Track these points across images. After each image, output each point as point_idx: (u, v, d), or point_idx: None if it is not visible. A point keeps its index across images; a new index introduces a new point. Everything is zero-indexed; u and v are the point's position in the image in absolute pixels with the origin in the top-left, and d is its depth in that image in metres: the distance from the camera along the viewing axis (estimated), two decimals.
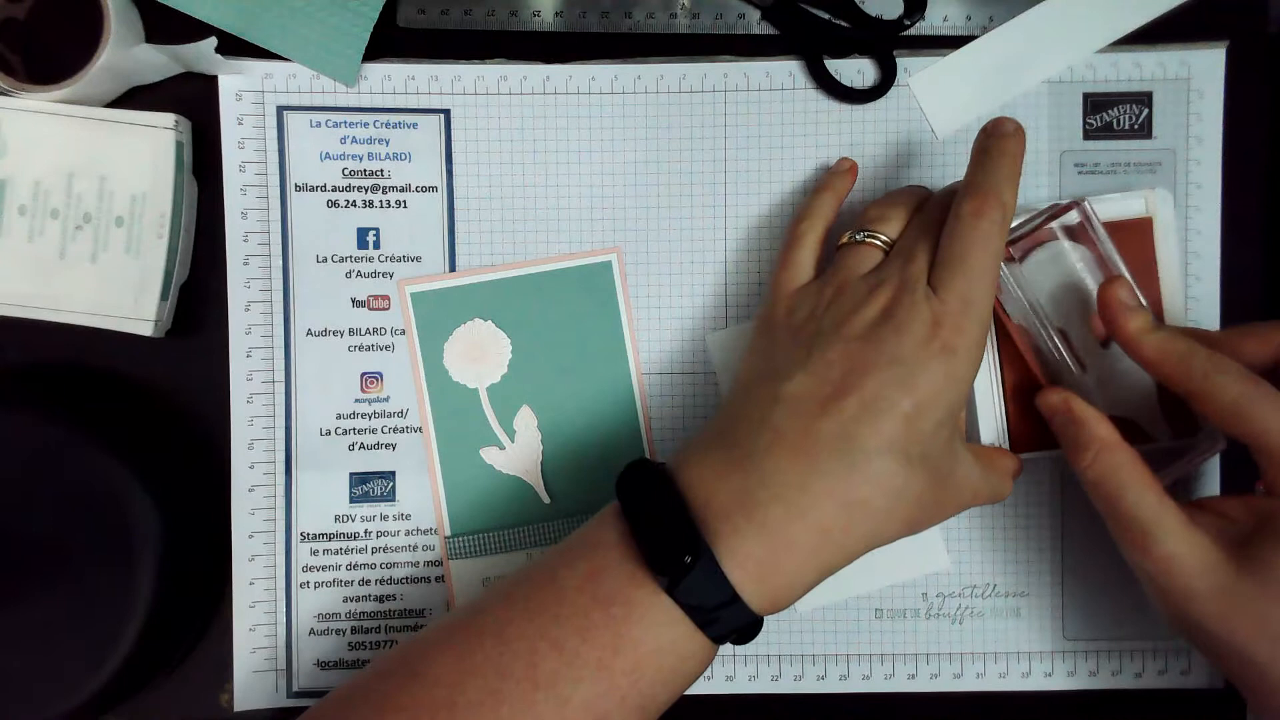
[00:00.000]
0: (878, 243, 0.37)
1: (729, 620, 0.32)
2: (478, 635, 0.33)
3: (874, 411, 0.32)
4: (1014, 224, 0.38)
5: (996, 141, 0.36)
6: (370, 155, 0.42)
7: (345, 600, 0.43)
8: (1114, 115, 0.43)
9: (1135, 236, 0.41)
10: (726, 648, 0.43)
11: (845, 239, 0.38)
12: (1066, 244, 0.37)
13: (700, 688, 0.43)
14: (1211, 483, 0.43)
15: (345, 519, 0.43)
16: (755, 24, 0.43)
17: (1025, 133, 0.36)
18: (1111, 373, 0.37)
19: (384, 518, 0.43)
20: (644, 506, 0.34)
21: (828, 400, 0.33)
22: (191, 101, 0.42)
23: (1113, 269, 0.37)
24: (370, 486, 0.43)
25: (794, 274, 0.39)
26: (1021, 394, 0.41)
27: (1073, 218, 0.37)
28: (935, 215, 0.36)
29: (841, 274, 0.36)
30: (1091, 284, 0.37)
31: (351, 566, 0.43)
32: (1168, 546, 0.33)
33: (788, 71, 0.43)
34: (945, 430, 0.34)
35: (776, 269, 0.40)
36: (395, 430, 0.43)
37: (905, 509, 0.33)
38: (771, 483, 0.33)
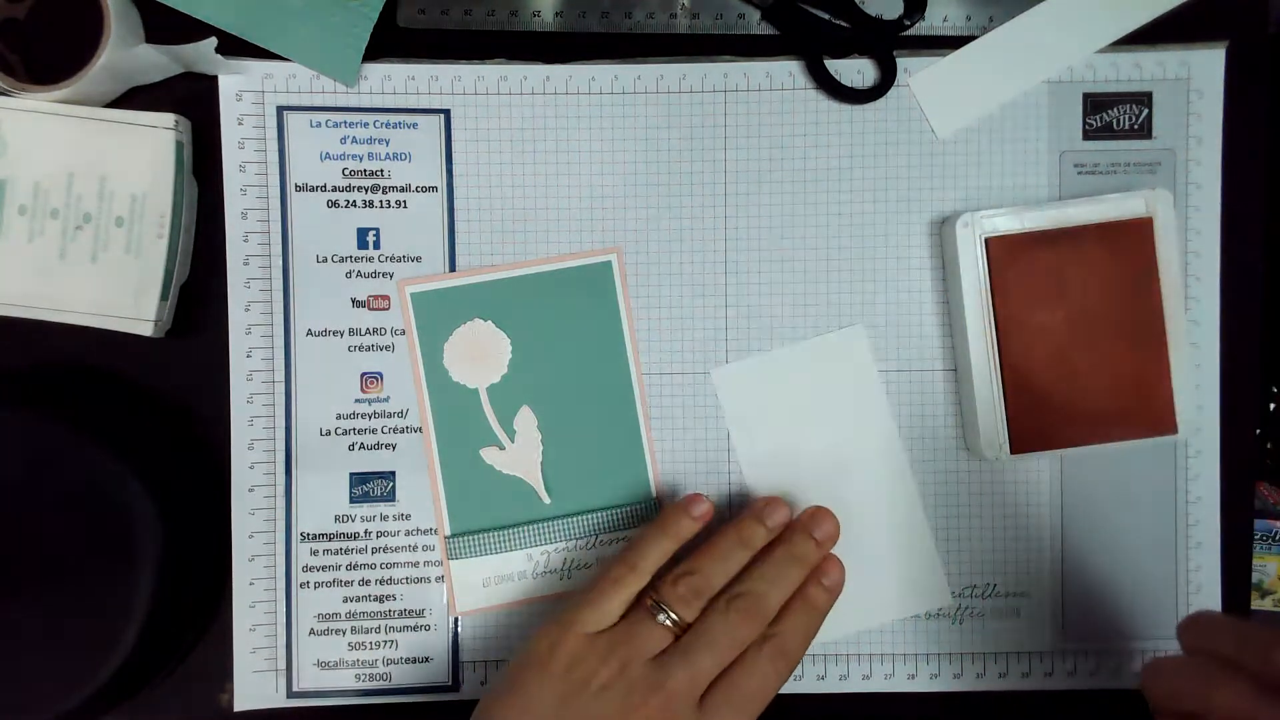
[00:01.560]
0: (669, 625, 0.37)
1: None
2: None
3: None
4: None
5: (821, 596, 0.39)
6: (370, 155, 0.42)
7: (345, 600, 0.43)
8: (1114, 115, 0.43)
9: (1135, 237, 0.41)
10: None
11: (648, 600, 0.37)
12: None
13: None
14: (1212, 483, 0.43)
15: (345, 519, 0.43)
16: (755, 24, 0.43)
17: (840, 589, 0.39)
18: None
19: (384, 518, 0.43)
20: None
21: None
22: (191, 101, 0.42)
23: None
24: (370, 486, 0.43)
25: (594, 619, 0.37)
26: (1021, 394, 0.41)
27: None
28: (739, 617, 0.37)
29: (629, 649, 0.36)
30: None
31: (351, 566, 0.43)
32: None
33: (788, 71, 0.43)
34: None
35: (579, 601, 0.38)
36: (395, 430, 0.43)
37: None
38: None
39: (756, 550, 0.39)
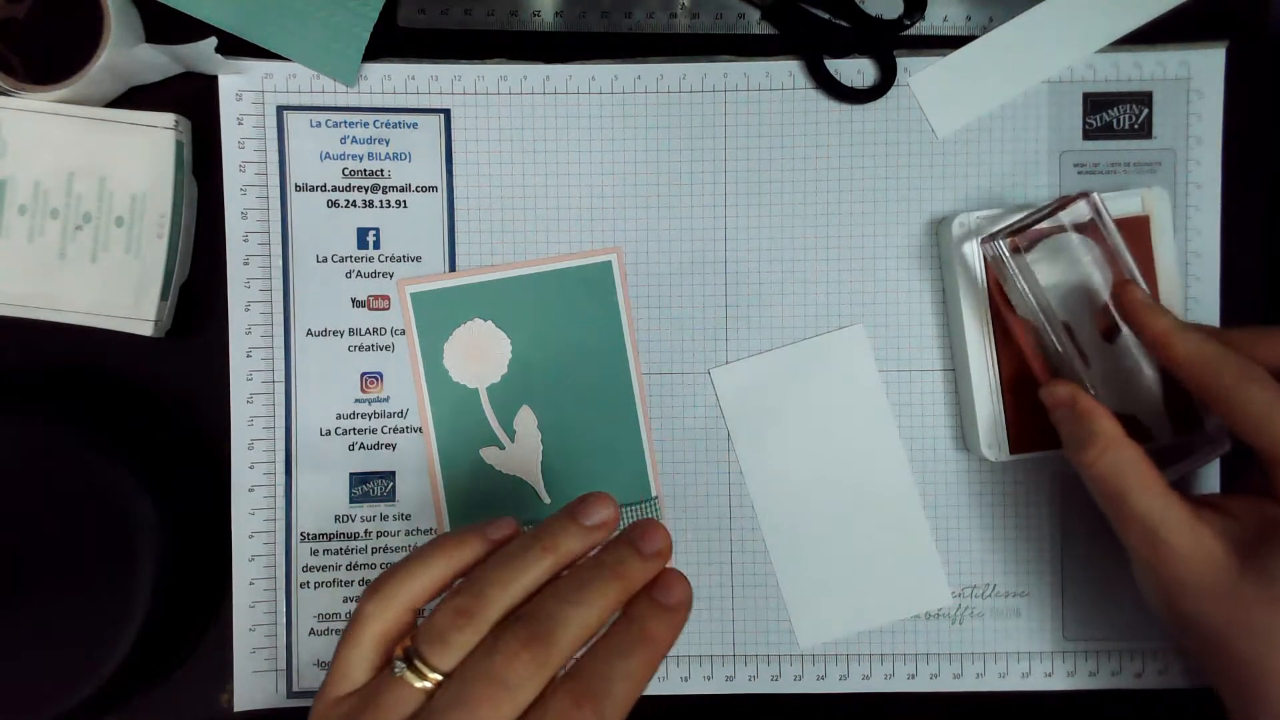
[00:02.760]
0: (422, 683, 0.26)
1: None
2: None
3: None
4: (1018, 217, 0.38)
5: (651, 622, 0.27)
6: (370, 155, 0.42)
7: (345, 600, 0.43)
8: (1114, 115, 0.43)
9: (1132, 235, 0.41)
10: (726, 646, 0.43)
11: (398, 647, 0.28)
12: (1074, 237, 0.37)
13: (700, 688, 0.43)
14: (1211, 480, 0.43)
15: (345, 519, 0.43)
16: (755, 24, 0.43)
17: (686, 616, 0.28)
18: (1115, 369, 0.37)
19: (384, 518, 0.43)
20: None
21: None
22: (191, 101, 0.42)
23: (1123, 264, 0.37)
24: (370, 486, 0.43)
25: (338, 681, 0.28)
26: (1020, 393, 0.41)
27: (1081, 210, 0.37)
28: (512, 650, 0.25)
29: (370, 713, 0.26)
30: (1100, 279, 0.37)
31: (351, 566, 0.43)
32: (1172, 541, 0.33)
33: (788, 71, 0.43)
34: None
35: (335, 654, 0.29)
36: (395, 430, 0.43)
37: None
38: None
39: (564, 562, 0.28)
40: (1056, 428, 0.36)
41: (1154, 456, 0.35)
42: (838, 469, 0.43)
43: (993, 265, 0.39)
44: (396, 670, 0.26)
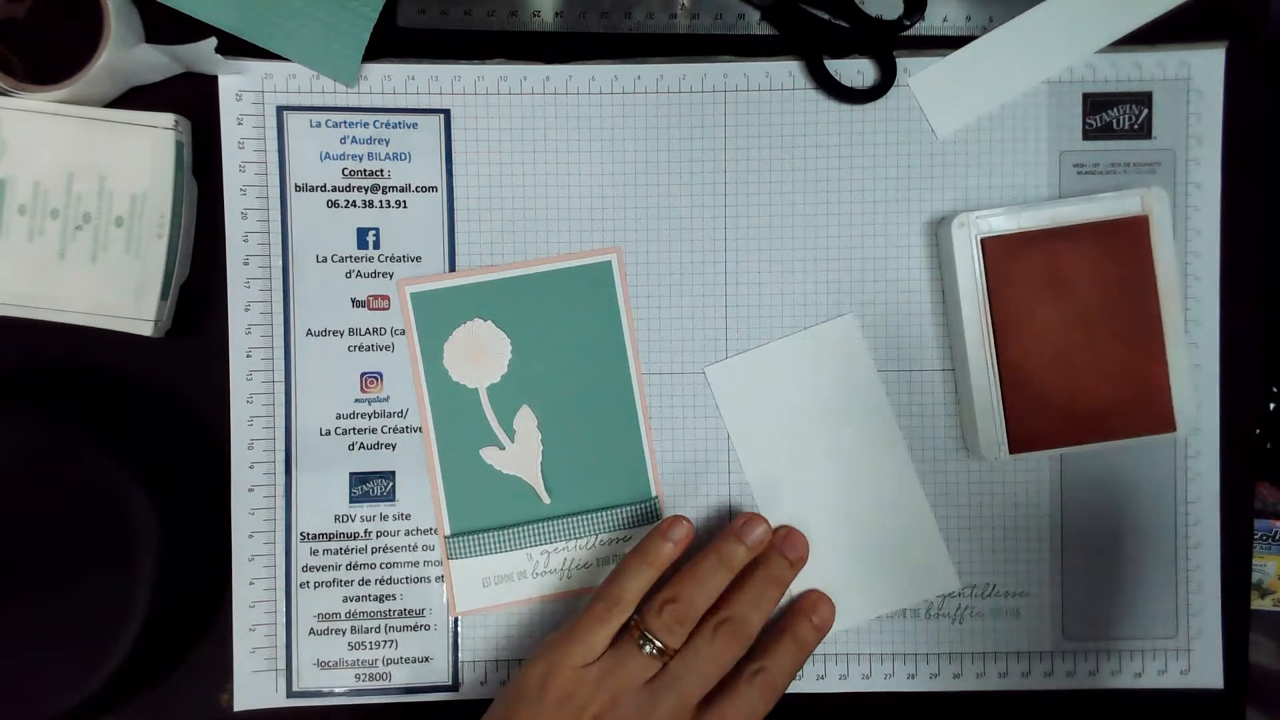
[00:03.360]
0: (655, 653, 0.37)
1: None
2: None
3: None
4: None
5: (808, 632, 0.40)
6: (370, 155, 0.42)
7: (345, 600, 0.43)
8: (1114, 115, 0.43)
9: (1131, 235, 0.41)
10: None
11: (635, 630, 0.38)
12: None
13: None
14: (1211, 483, 0.43)
15: (345, 519, 0.43)
16: (755, 24, 0.43)
17: (828, 628, 0.41)
18: None
19: (384, 518, 0.43)
20: None
21: None
22: (191, 101, 0.42)
23: None
24: (370, 486, 0.43)
25: (582, 653, 0.38)
26: (1019, 394, 0.41)
27: None
28: (724, 643, 0.38)
29: (619, 679, 0.37)
30: None
31: (351, 566, 0.43)
32: None
33: (788, 71, 0.43)
34: None
35: (567, 636, 0.38)
36: (395, 430, 0.43)
37: None
38: None
39: (737, 571, 0.40)
40: None
41: None
42: (837, 459, 0.43)
43: None
44: (643, 646, 0.37)
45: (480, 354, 0.43)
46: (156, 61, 0.40)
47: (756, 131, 0.43)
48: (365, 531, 0.43)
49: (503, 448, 0.43)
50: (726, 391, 0.43)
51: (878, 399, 0.43)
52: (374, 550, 0.43)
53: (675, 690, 0.37)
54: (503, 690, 0.39)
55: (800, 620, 0.41)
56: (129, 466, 0.38)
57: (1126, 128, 0.43)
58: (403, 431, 0.43)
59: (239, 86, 0.42)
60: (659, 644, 0.37)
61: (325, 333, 0.42)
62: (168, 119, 0.39)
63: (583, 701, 0.37)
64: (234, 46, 0.40)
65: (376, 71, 0.42)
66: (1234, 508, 0.43)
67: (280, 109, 0.42)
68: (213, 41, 0.39)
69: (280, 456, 0.42)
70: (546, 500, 0.43)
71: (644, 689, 0.37)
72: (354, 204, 0.42)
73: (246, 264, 0.42)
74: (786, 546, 0.41)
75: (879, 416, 0.43)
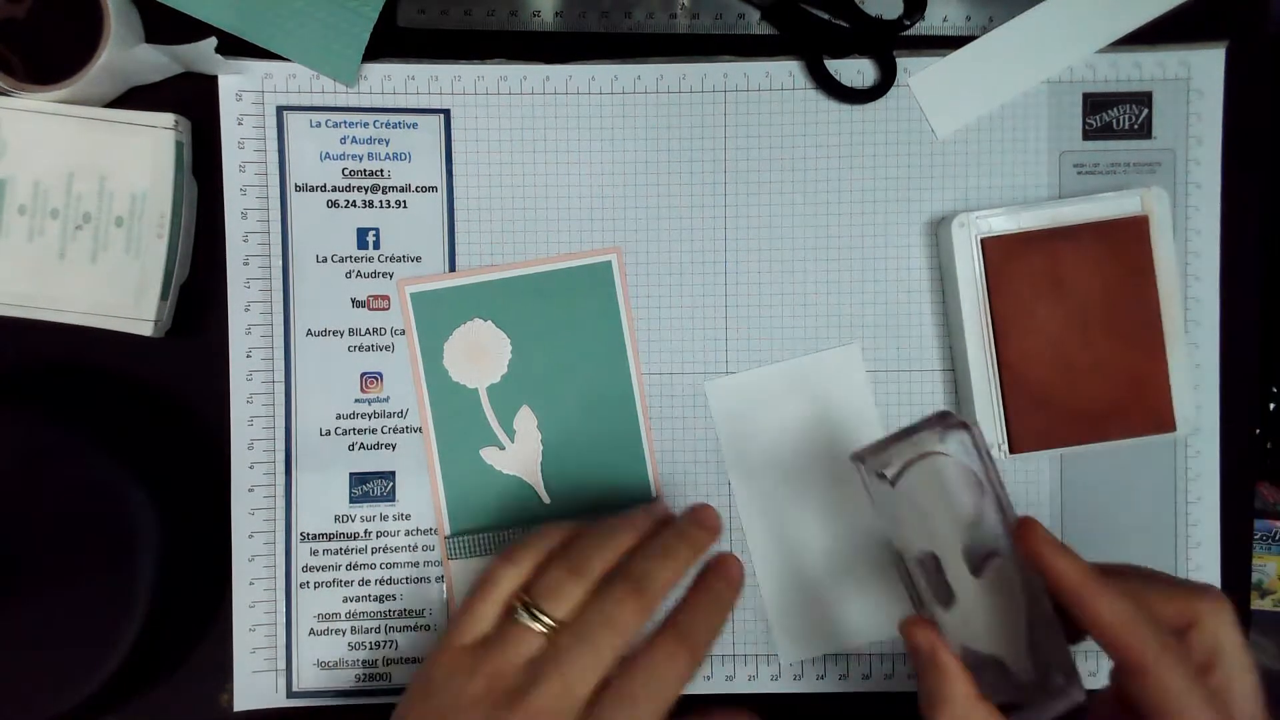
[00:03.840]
0: (540, 628, 0.32)
1: None
2: None
3: None
4: (887, 434, 0.34)
5: (721, 587, 0.34)
6: (370, 155, 0.42)
7: (345, 600, 0.43)
8: (1114, 115, 0.43)
9: (1131, 235, 0.41)
10: (726, 646, 0.43)
11: (516, 599, 0.33)
12: (949, 463, 0.33)
13: (700, 688, 0.43)
14: (1211, 483, 0.43)
15: (345, 519, 0.43)
16: (755, 24, 0.43)
17: (742, 584, 0.35)
18: (980, 607, 0.33)
19: (384, 518, 0.43)
20: None
21: None
22: (191, 101, 0.42)
23: (1001, 495, 0.33)
24: (370, 486, 0.43)
25: (470, 627, 0.33)
26: (1020, 394, 0.41)
27: (960, 436, 0.33)
28: (619, 599, 0.32)
29: (496, 659, 0.32)
30: (973, 509, 0.33)
31: (351, 566, 0.43)
32: None
33: (788, 71, 0.43)
34: None
35: (458, 609, 0.35)
36: (395, 430, 0.43)
37: None
38: None
39: (641, 534, 0.35)
40: (915, 669, 0.33)
41: (1010, 700, 0.32)
42: (827, 481, 0.43)
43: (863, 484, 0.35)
44: (519, 617, 0.32)
45: (480, 354, 0.43)
46: (156, 61, 0.40)
47: (756, 131, 0.43)
48: (365, 532, 0.43)
49: (503, 448, 0.43)
50: (723, 408, 0.43)
51: (870, 423, 0.43)
52: (374, 550, 0.43)
53: (558, 668, 0.31)
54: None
55: (711, 575, 0.35)
56: (129, 466, 0.38)
57: (1126, 128, 0.43)
58: (403, 431, 0.43)
59: (239, 86, 0.42)
60: (542, 613, 0.32)
61: (325, 333, 0.42)
62: (168, 119, 0.39)
63: (459, 686, 0.32)
64: (234, 46, 0.40)
65: (376, 71, 0.42)
66: (1234, 508, 0.43)
67: (280, 109, 0.42)
68: (213, 41, 0.39)
69: (280, 456, 0.42)
70: (546, 500, 0.43)
71: (523, 669, 0.32)
72: (354, 204, 0.42)
73: (246, 264, 0.42)
74: (697, 513, 0.36)
75: (871, 437, 0.43)
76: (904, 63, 0.43)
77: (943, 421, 0.33)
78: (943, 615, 0.33)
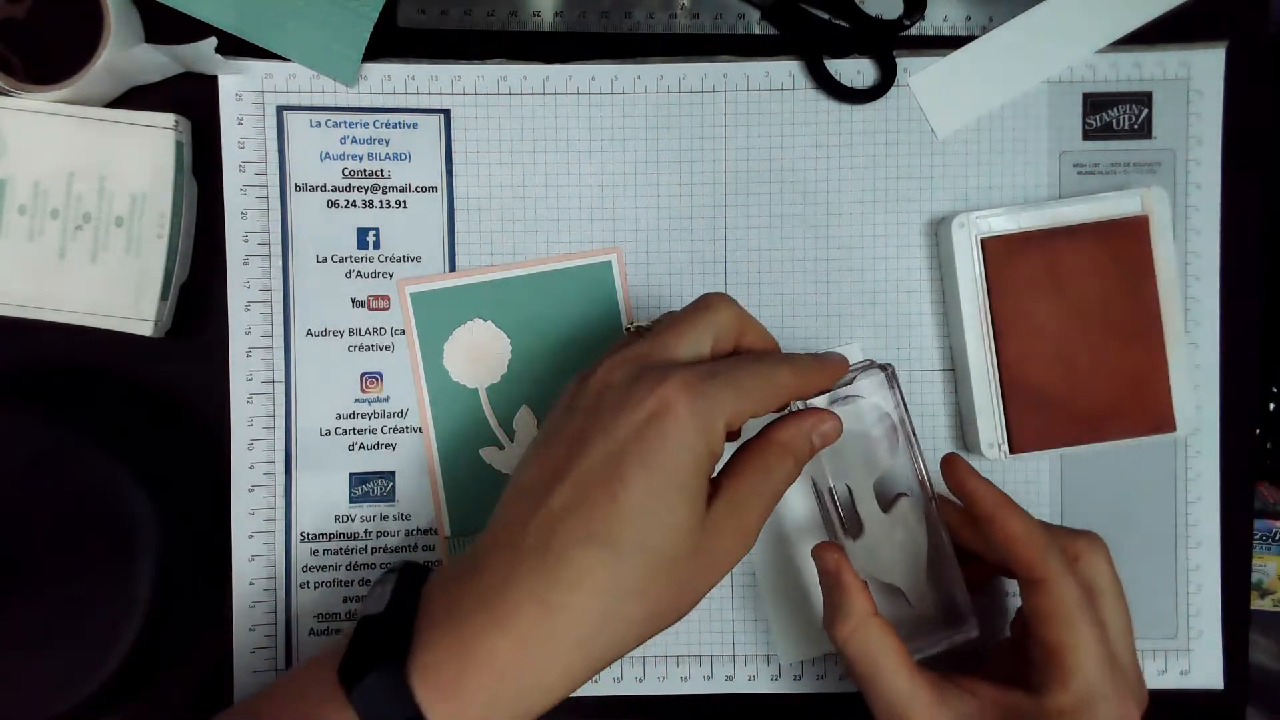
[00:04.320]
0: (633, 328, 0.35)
1: None
2: None
3: (580, 498, 0.29)
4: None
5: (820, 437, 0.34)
6: (370, 155, 0.42)
7: (345, 600, 0.43)
8: (1114, 115, 0.43)
9: (1131, 235, 0.41)
10: (726, 646, 0.43)
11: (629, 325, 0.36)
12: (867, 404, 0.37)
13: (700, 688, 0.43)
14: (1211, 483, 0.43)
15: (345, 519, 0.43)
16: (755, 24, 0.43)
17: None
18: (886, 539, 0.37)
19: (384, 518, 0.43)
20: (382, 608, 0.31)
21: (545, 489, 0.30)
22: (191, 101, 0.42)
23: (913, 440, 0.37)
24: (370, 486, 0.43)
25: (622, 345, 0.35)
26: (1020, 393, 0.41)
27: (876, 377, 0.37)
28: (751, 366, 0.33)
29: (615, 355, 0.33)
30: (886, 448, 0.37)
31: (351, 566, 0.43)
32: None
33: (788, 71, 0.43)
34: (662, 506, 0.29)
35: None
36: (395, 430, 0.43)
37: (623, 608, 0.29)
38: (480, 587, 0.30)
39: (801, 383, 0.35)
40: (823, 592, 0.36)
41: (908, 631, 0.36)
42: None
43: None
44: (629, 324, 0.36)
45: (480, 354, 0.43)
46: (156, 61, 0.40)
47: (756, 131, 0.43)
48: (365, 532, 0.43)
49: (503, 448, 0.43)
50: None
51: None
52: (374, 550, 0.43)
53: (661, 345, 0.32)
54: None
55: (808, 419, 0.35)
56: (129, 466, 0.38)
57: (1126, 128, 0.43)
58: (403, 432, 0.43)
59: (239, 86, 0.42)
60: (641, 325, 0.34)
61: (325, 333, 0.42)
62: (168, 119, 0.39)
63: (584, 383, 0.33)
64: (234, 46, 0.40)
65: (376, 71, 0.42)
66: (1234, 508, 0.43)
67: (280, 109, 0.42)
68: (213, 41, 0.39)
69: (280, 456, 0.42)
70: None
71: (632, 349, 0.33)
72: (354, 204, 0.42)
73: (246, 264, 0.42)
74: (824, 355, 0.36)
75: None
76: (904, 63, 0.43)
77: (864, 368, 0.37)
78: (851, 544, 0.37)
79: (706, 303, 0.34)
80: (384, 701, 0.28)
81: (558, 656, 0.29)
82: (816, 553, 0.36)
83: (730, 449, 0.34)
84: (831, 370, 0.35)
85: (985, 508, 0.34)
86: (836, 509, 0.37)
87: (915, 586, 0.37)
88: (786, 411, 0.35)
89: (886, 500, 0.37)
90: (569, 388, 0.34)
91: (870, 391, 0.37)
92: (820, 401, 0.36)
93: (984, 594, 0.40)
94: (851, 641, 0.34)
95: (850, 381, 0.36)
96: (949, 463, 0.36)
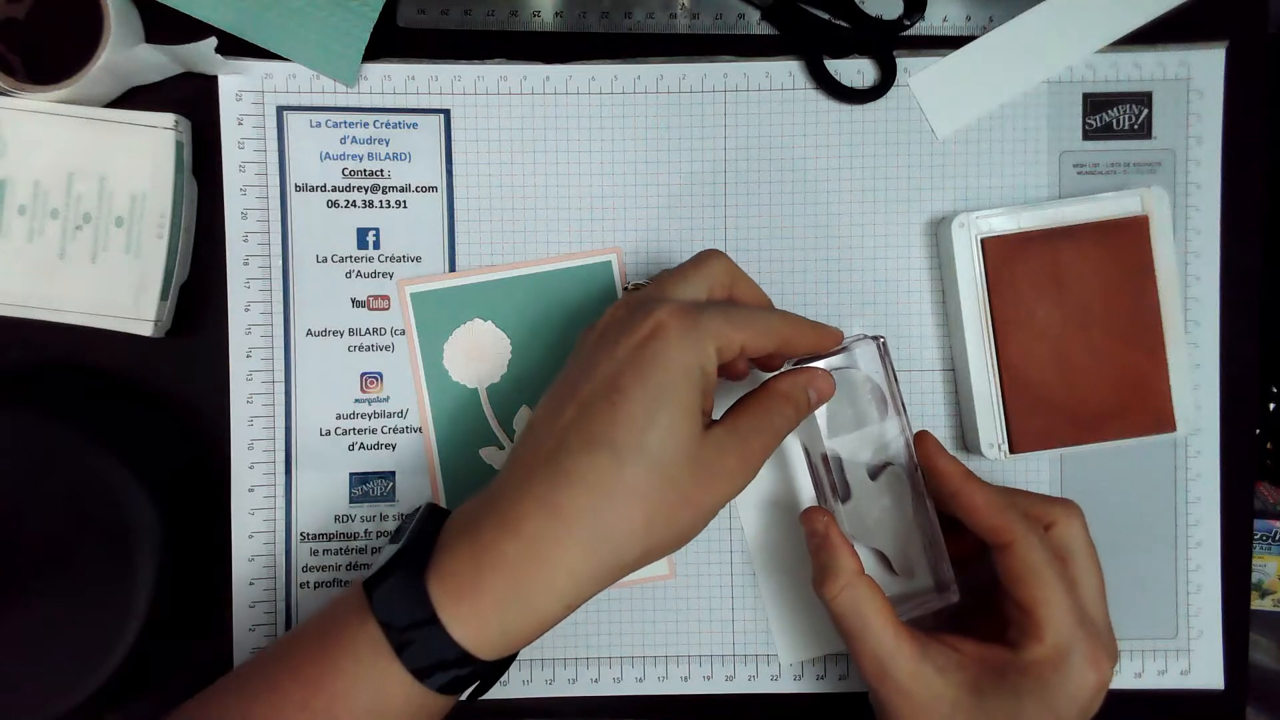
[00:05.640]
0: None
1: (426, 646, 0.30)
2: (237, 686, 0.33)
3: (586, 411, 0.32)
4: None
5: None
6: (370, 155, 0.42)
7: None
8: (1114, 115, 0.43)
9: (1131, 235, 0.41)
10: (726, 646, 0.43)
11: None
12: (859, 375, 0.38)
13: (700, 688, 0.43)
14: (1211, 483, 0.43)
15: (345, 519, 0.43)
16: (755, 24, 0.43)
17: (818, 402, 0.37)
18: (872, 506, 0.38)
19: (384, 518, 0.43)
20: (412, 531, 0.34)
21: (556, 412, 0.33)
22: (191, 101, 0.42)
23: (902, 411, 0.38)
24: (370, 486, 0.43)
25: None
26: (1020, 393, 0.41)
27: (869, 348, 0.38)
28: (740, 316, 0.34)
29: (618, 303, 0.36)
30: (876, 418, 0.38)
31: (351, 567, 0.43)
32: (899, 678, 0.35)
33: (788, 71, 0.43)
34: (658, 410, 0.31)
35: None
36: (395, 430, 0.43)
37: (624, 508, 0.31)
38: (495, 502, 0.32)
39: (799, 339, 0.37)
40: (810, 554, 0.38)
41: (892, 595, 0.37)
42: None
43: None
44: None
45: (480, 354, 0.43)
46: (156, 61, 0.40)
47: (756, 131, 0.43)
48: (365, 531, 0.43)
49: (502, 448, 0.43)
50: (723, 407, 0.43)
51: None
52: (374, 550, 0.43)
53: (668, 284, 0.35)
54: None
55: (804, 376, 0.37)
56: (129, 466, 0.38)
57: (1126, 128, 0.43)
58: (403, 431, 0.43)
59: (239, 86, 0.42)
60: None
61: (325, 333, 0.42)
62: (168, 119, 0.39)
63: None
64: (234, 46, 0.40)
65: (376, 71, 0.42)
66: (1234, 508, 0.43)
67: (280, 109, 0.42)
68: (213, 41, 0.39)
69: (280, 456, 0.42)
70: None
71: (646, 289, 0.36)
72: (354, 204, 0.42)
73: (246, 264, 0.42)
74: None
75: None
76: (904, 63, 0.43)
77: (857, 339, 0.38)
78: (839, 508, 0.38)
79: (702, 256, 0.36)
80: (400, 604, 0.31)
81: (562, 558, 0.31)
82: (805, 516, 0.38)
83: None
84: (822, 331, 0.36)
85: (951, 483, 0.36)
86: (828, 473, 0.38)
87: (899, 552, 0.38)
88: (783, 370, 0.37)
89: (874, 469, 0.38)
90: (578, 338, 0.37)
91: (863, 362, 0.38)
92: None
93: (974, 565, 0.41)
94: (840, 598, 0.36)
95: (843, 351, 0.38)
96: (920, 440, 0.38)
